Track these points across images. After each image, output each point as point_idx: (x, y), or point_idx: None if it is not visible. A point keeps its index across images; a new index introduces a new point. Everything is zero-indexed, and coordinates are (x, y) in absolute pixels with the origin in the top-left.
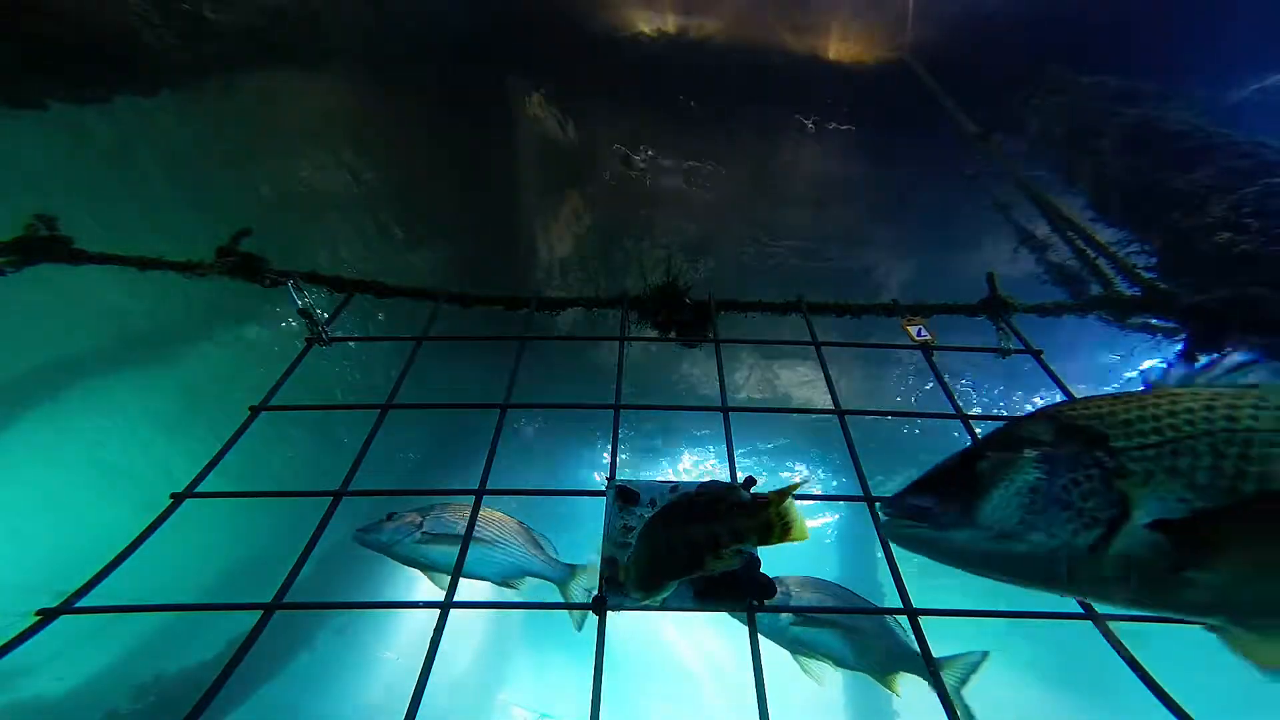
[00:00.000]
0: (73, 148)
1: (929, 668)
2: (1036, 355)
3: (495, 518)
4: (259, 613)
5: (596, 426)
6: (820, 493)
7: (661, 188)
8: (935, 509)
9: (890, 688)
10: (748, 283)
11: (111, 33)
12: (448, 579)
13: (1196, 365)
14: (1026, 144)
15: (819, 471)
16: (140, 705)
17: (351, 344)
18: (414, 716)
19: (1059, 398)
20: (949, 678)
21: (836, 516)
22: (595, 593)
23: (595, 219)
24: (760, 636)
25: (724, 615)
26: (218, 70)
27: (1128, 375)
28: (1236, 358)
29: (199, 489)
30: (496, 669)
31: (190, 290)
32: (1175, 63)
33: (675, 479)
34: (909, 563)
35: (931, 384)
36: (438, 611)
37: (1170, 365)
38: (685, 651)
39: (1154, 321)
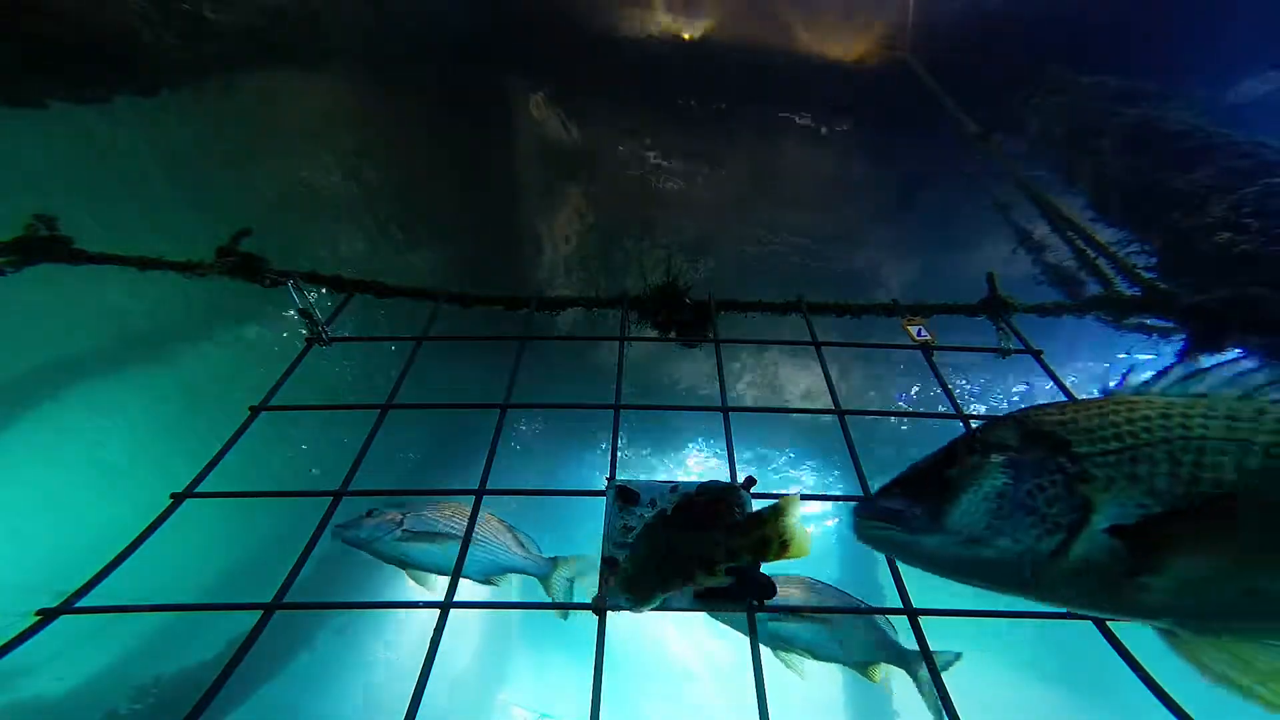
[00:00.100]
0: (73, 148)
1: (929, 667)
2: (1036, 355)
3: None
4: (259, 613)
5: (597, 427)
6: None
7: (661, 188)
8: (907, 512)
9: (871, 678)
10: (748, 282)
11: (111, 33)
12: (428, 576)
13: (1148, 375)
14: (1026, 144)
15: (815, 469)
16: (140, 706)
17: (352, 345)
18: (414, 716)
19: (1060, 397)
20: (925, 674)
21: (837, 520)
22: (595, 594)
23: (595, 219)
24: (738, 633)
25: (721, 616)
26: (218, 70)
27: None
28: (1184, 368)
29: (199, 489)
30: (497, 668)
31: (190, 290)
32: (1175, 63)
33: (675, 479)
34: None
35: (936, 391)
36: (438, 611)
37: (1126, 374)
38: (685, 651)
39: (1149, 321)
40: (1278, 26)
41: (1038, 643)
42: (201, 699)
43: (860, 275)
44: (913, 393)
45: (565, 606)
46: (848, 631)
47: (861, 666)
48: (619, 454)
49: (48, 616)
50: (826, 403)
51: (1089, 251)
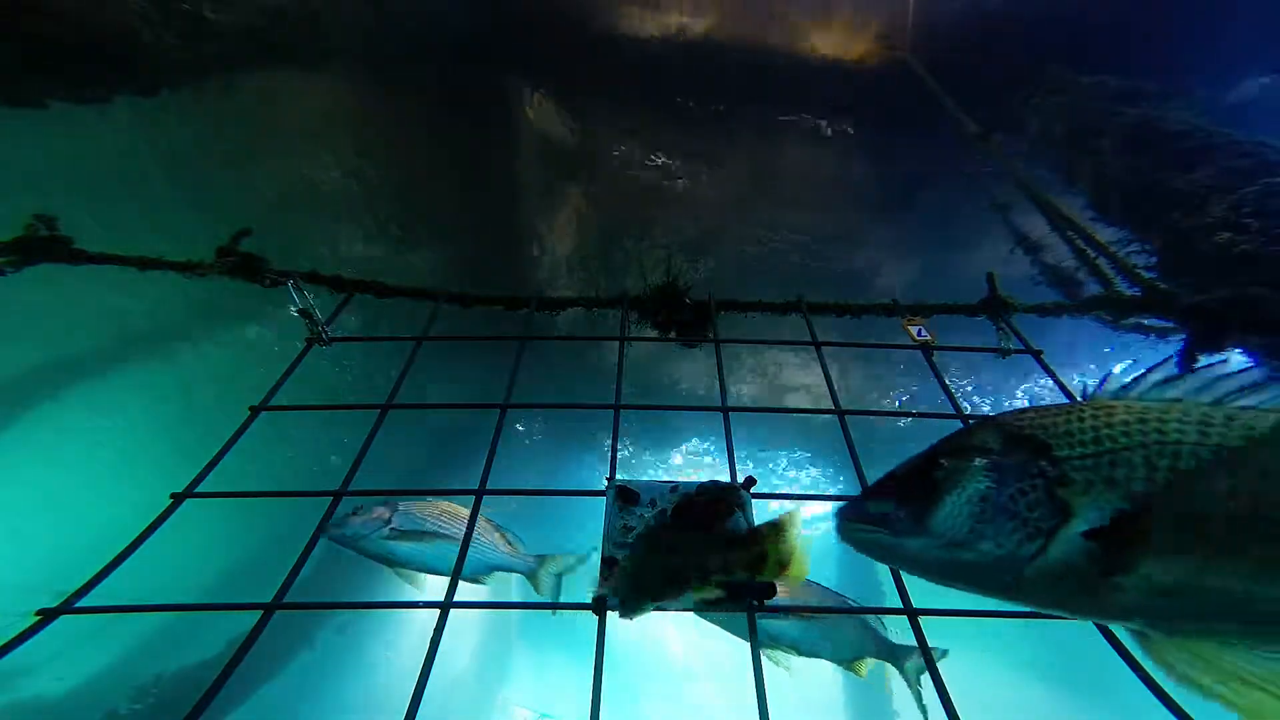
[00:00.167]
0: (73, 148)
1: (930, 668)
2: (1036, 355)
3: (462, 514)
4: (259, 613)
5: (597, 427)
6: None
7: (661, 188)
8: (891, 515)
9: (857, 672)
10: (748, 282)
11: (111, 33)
12: (415, 574)
13: (1125, 380)
14: (1027, 144)
15: (819, 470)
16: (140, 705)
17: (352, 345)
18: (414, 716)
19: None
20: (916, 663)
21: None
22: (595, 592)
23: (595, 219)
24: (726, 631)
25: (715, 618)
26: (218, 70)
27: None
28: (1160, 373)
29: (199, 489)
30: (497, 668)
31: (190, 290)
32: (1175, 62)
33: (675, 479)
34: None
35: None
36: (437, 611)
37: (1105, 379)
38: (685, 651)
39: (1147, 321)
40: (1278, 26)
41: (1038, 643)
42: (201, 699)
43: (860, 275)
44: (912, 390)
45: (566, 606)
46: (835, 628)
47: (848, 662)
48: (619, 454)
49: (48, 616)
50: (830, 402)
51: (1089, 251)
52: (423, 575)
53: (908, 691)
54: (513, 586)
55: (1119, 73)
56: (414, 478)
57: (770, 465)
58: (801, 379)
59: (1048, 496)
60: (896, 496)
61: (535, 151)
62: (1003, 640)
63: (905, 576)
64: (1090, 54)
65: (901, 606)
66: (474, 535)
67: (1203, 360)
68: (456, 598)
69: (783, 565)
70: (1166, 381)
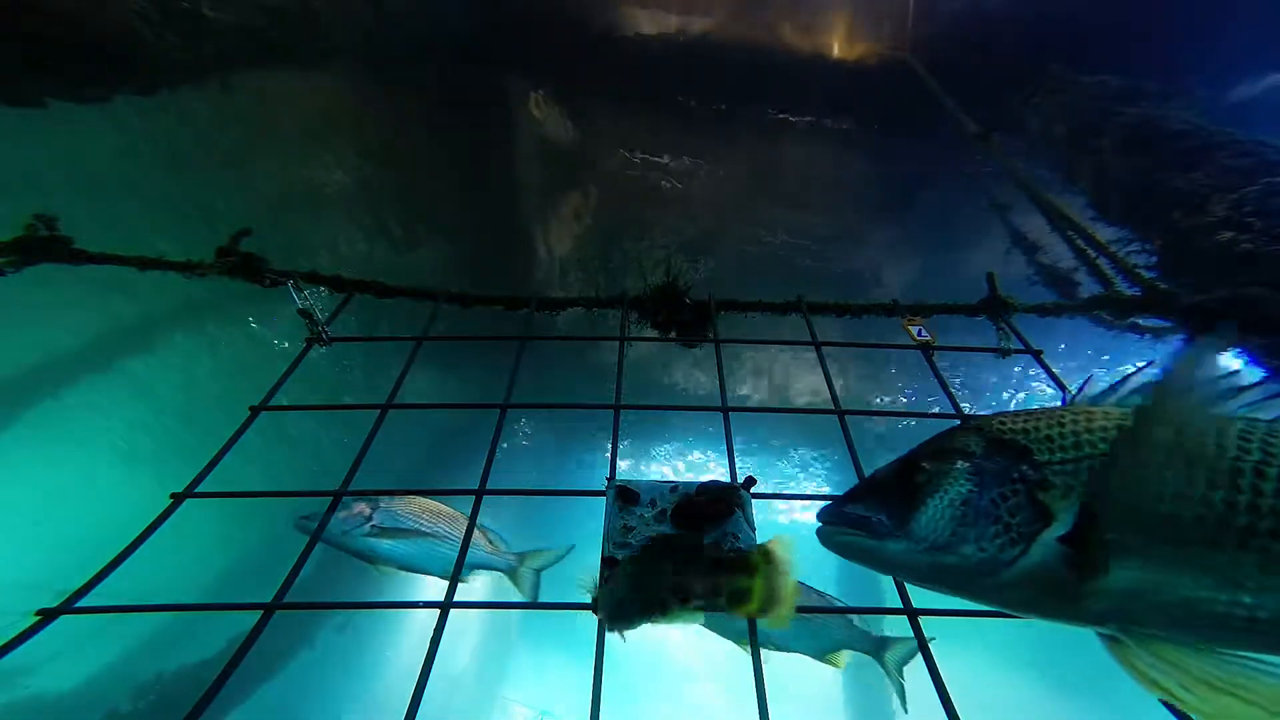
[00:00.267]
0: (72, 147)
1: (930, 670)
2: (1036, 355)
3: (444, 512)
4: (259, 612)
5: (597, 427)
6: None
7: (662, 188)
8: (873, 518)
9: (834, 664)
10: (748, 282)
11: (111, 32)
12: (393, 571)
13: (1104, 385)
14: (1027, 143)
15: (818, 469)
16: (141, 704)
17: (352, 346)
18: (414, 715)
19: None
20: (895, 654)
21: None
22: (591, 591)
23: (595, 219)
24: (711, 631)
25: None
26: (217, 69)
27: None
28: (1139, 379)
29: (199, 489)
30: (497, 666)
31: (190, 290)
32: (1176, 62)
33: (675, 479)
34: None
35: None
36: (438, 611)
37: (1084, 384)
38: (685, 651)
39: (1140, 322)
40: (1278, 26)
41: (1038, 642)
42: (202, 699)
43: (860, 275)
44: (913, 387)
45: (567, 607)
46: (812, 622)
47: (825, 655)
48: (618, 453)
49: (48, 617)
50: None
51: (1089, 251)
52: (399, 571)
53: (922, 694)
54: (512, 586)
55: (1119, 72)
56: (414, 478)
57: (781, 463)
58: (808, 382)
59: (1029, 501)
60: (878, 499)
61: (535, 151)
62: (1002, 640)
63: None
64: (1090, 53)
65: (901, 606)
66: (454, 535)
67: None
68: (449, 597)
69: (770, 602)
70: (1145, 387)
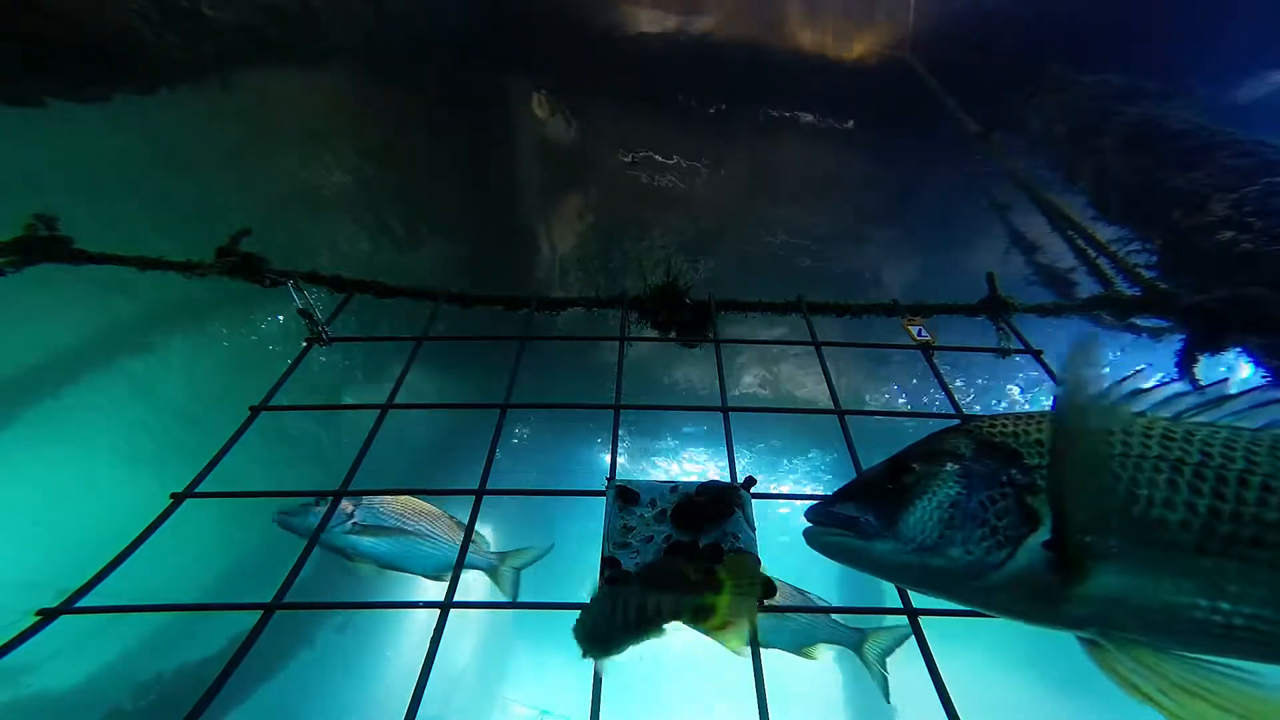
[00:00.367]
0: (72, 147)
1: (930, 670)
2: (1036, 355)
3: (425, 509)
4: (259, 612)
5: (597, 426)
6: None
7: (661, 188)
8: (861, 519)
9: (810, 657)
10: (748, 282)
11: (111, 31)
12: (371, 568)
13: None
14: (1028, 143)
15: (818, 469)
16: (142, 703)
17: (353, 345)
18: (414, 714)
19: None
20: (874, 647)
21: None
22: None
23: (595, 219)
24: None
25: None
26: (217, 69)
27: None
28: (1128, 387)
29: (199, 489)
30: (497, 665)
31: (190, 290)
32: (1177, 61)
33: (675, 479)
34: None
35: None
36: (437, 611)
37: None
38: (684, 650)
39: (1138, 321)
40: (1278, 26)
41: (1037, 641)
42: (202, 698)
43: (860, 275)
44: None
45: (567, 606)
46: (790, 617)
47: (801, 649)
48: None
49: (48, 616)
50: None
51: (1089, 251)
52: (376, 568)
53: (906, 686)
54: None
55: (1120, 71)
56: (414, 477)
57: (779, 465)
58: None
59: (1017, 505)
60: (866, 500)
61: (535, 151)
62: (1002, 640)
63: None
64: (1091, 53)
65: (901, 606)
66: (436, 533)
67: (1170, 375)
68: (449, 597)
69: (719, 630)
70: (1132, 395)
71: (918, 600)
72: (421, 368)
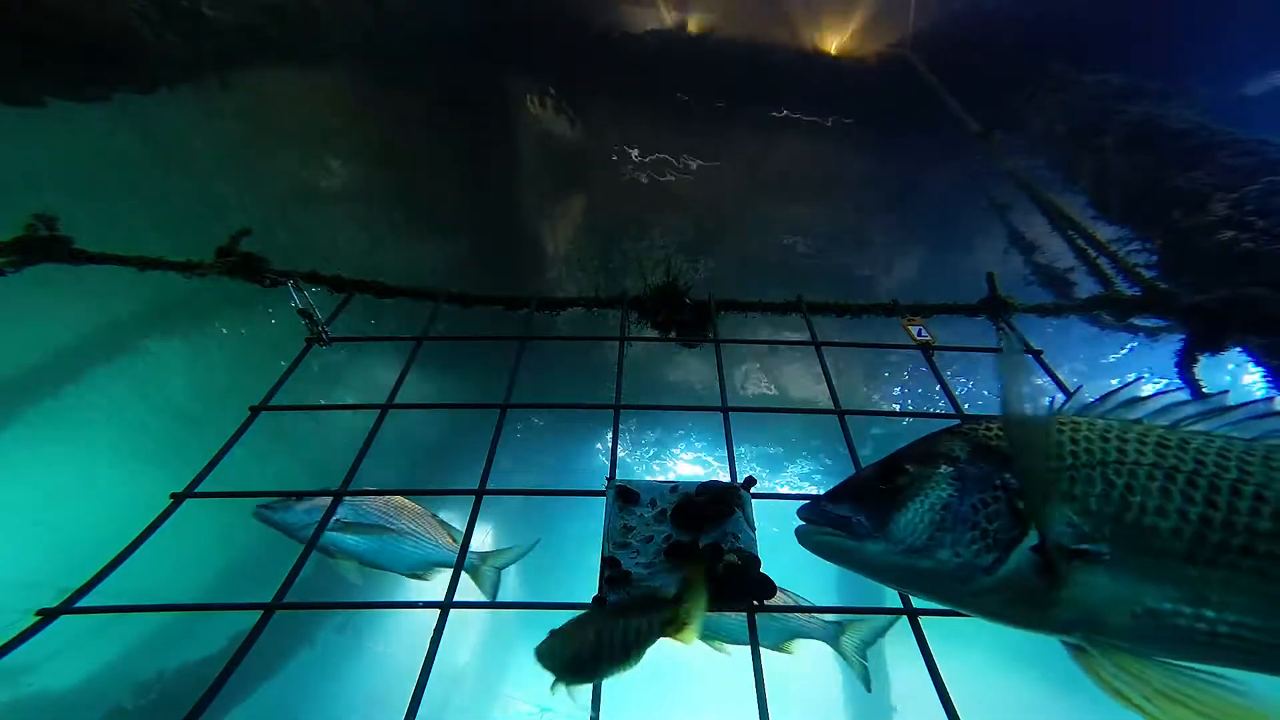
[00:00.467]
0: (72, 147)
1: (931, 671)
2: (1036, 355)
3: (408, 507)
4: (259, 612)
5: (597, 426)
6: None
7: (661, 187)
8: (853, 519)
9: (786, 651)
10: (748, 282)
11: (111, 31)
12: (352, 566)
13: (1090, 398)
14: (1028, 142)
15: (818, 469)
16: (143, 702)
17: (352, 345)
18: (415, 714)
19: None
20: (852, 639)
21: None
22: (596, 592)
23: (595, 219)
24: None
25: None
26: (217, 68)
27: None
28: (1124, 394)
29: (199, 489)
30: (498, 664)
31: (190, 290)
32: (1178, 61)
33: (675, 478)
34: None
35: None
36: (437, 611)
37: (1070, 395)
38: (684, 649)
39: (1136, 321)
40: (1278, 26)
41: (1037, 642)
42: (202, 698)
43: (860, 275)
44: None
45: (567, 607)
46: (774, 616)
47: (778, 645)
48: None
49: (48, 616)
50: (829, 402)
51: (1089, 250)
52: (357, 566)
53: (918, 694)
54: (512, 585)
55: (1121, 71)
56: (414, 477)
57: (781, 465)
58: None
59: (1008, 509)
60: (859, 500)
61: (535, 151)
62: (1001, 639)
63: None
64: (1092, 52)
65: (901, 606)
66: (416, 531)
67: (1166, 384)
68: (449, 597)
69: (681, 624)
70: (1130, 403)
71: (918, 600)
72: (421, 368)
